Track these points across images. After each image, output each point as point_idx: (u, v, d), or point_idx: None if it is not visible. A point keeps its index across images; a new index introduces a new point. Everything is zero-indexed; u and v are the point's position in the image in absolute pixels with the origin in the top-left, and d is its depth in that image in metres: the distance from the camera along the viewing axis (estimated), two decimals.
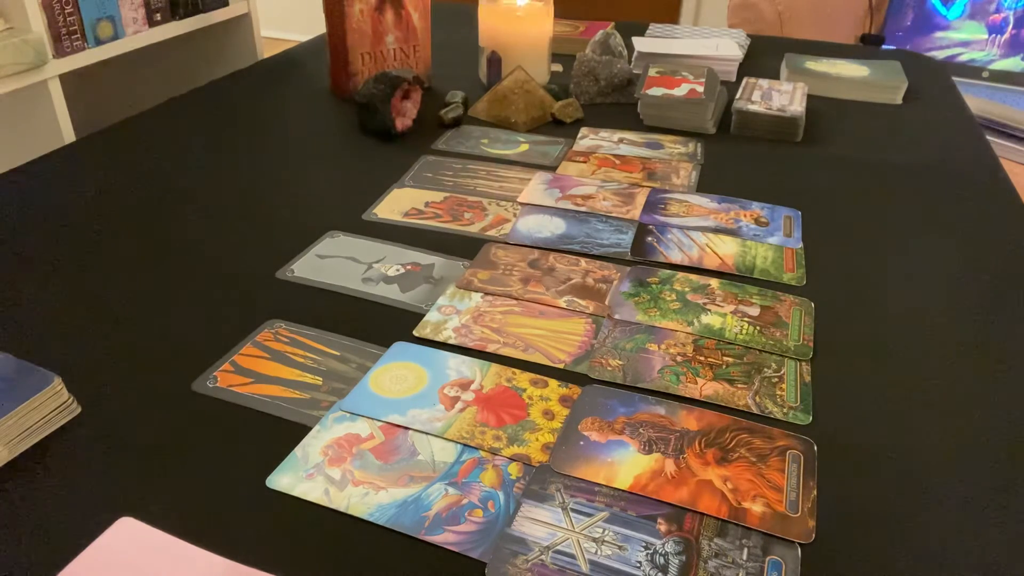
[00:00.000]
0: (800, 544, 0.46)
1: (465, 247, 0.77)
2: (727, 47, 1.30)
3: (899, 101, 1.19)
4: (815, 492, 0.50)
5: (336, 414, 0.55)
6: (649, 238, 0.79)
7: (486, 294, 0.69)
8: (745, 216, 0.84)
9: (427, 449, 0.52)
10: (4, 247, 0.75)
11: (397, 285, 0.71)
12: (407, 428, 0.54)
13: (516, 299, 0.69)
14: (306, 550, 0.45)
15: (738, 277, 0.73)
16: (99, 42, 1.37)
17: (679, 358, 0.62)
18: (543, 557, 0.45)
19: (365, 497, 0.49)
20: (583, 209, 0.84)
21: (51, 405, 0.53)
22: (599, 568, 0.44)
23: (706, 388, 0.59)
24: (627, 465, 0.51)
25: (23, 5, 1.22)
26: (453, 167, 0.94)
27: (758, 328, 0.65)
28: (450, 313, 0.67)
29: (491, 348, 0.62)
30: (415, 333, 0.64)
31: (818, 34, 2.13)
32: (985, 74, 2.32)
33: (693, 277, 0.72)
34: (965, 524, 0.48)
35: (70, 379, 0.56)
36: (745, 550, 0.46)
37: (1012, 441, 0.55)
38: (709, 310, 0.68)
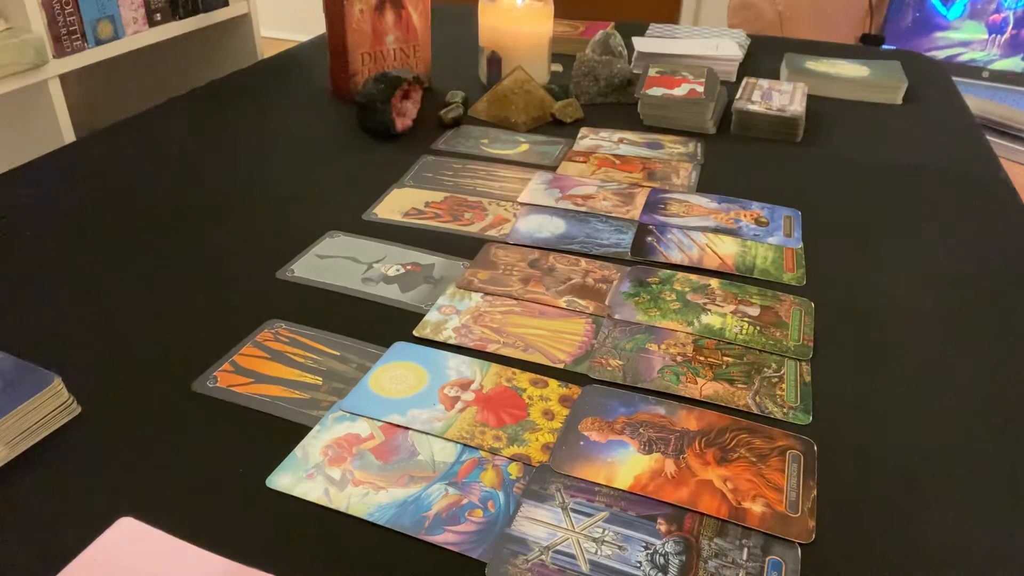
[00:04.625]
0: (800, 544, 0.46)
1: (465, 247, 0.77)
2: (727, 47, 1.30)
3: (899, 101, 1.19)
4: (815, 492, 0.50)
5: (336, 414, 0.55)
6: (649, 238, 0.79)
7: (486, 294, 0.69)
8: (745, 216, 0.84)
9: (427, 449, 0.52)
10: (4, 247, 0.75)
11: (397, 285, 0.71)
12: (407, 428, 0.54)
13: (516, 299, 0.69)
14: (306, 550, 0.45)
15: (738, 277, 0.73)
16: (99, 42, 1.37)
17: (679, 358, 0.62)
18: (543, 557, 0.45)
19: (365, 497, 0.49)
20: (583, 209, 0.84)
21: (51, 405, 0.53)
22: (599, 568, 0.44)
23: (706, 388, 0.59)
24: (627, 465, 0.51)
25: (23, 5, 1.22)
26: (453, 167, 0.94)
27: (758, 328, 0.65)
28: (450, 313, 0.67)
29: (491, 348, 0.62)
30: (415, 333, 0.64)
31: (818, 34, 2.13)
32: (985, 74, 2.32)
33: (693, 277, 0.72)
34: (966, 524, 0.48)
35: (70, 379, 0.56)
36: (745, 550, 0.46)
37: (1013, 441, 0.55)
38: (709, 310, 0.68)
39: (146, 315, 0.66)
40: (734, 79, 1.26)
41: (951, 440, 0.55)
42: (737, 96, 1.09)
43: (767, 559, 0.45)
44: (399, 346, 0.62)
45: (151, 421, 0.55)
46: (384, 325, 0.65)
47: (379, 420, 0.55)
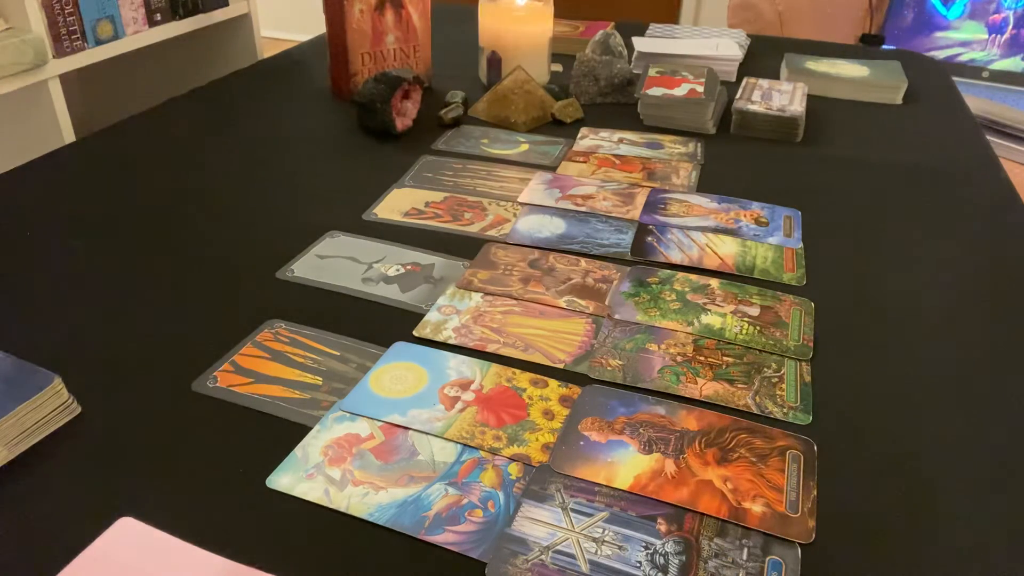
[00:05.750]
0: (800, 544, 0.46)
1: (465, 247, 0.77)
2: (727, 47, 1.30)
3: (899, 101, 1.19)
4: (815, 492, 0.50)
5: (336, 414, 0.55)
6: (649, 238, 0.79)
7: (486, 294, 0.69)
8: (745, 216, 0.84)
9: (427, 449, 0.52)
10: (4, 247, 0.75)
11: (397, 285, 0.71)
12: (407, 428, 0.54)
13: (516, 299, 0.69)
14: (306, 550, 0.45)
15: (738, 277, 0.73)
16: (99, 42, 1.37)
17: (679, 358, 0.62)
18: (543, 557, 0.45)
19: (365, 497, 0.49)
20: (583, 209, 0.84)
21: (51, 405, 0.53)
22: (599, 568, 0.44)
23: (706, 388, 0.59)
24: (627, 465, 0.51)
25: (23, 5, 1.22)
26: (453, 167, 0.94)
27: (758, 328, 0.65)
28: (450, 313, 0.67)
29: (491, 348, 0.62)
30: (415, 333, 0.64)
31: (818, 34, 2.13)
32: (985, 74, 2.32)
33: (693, 277, 0.72)
34: (966, 524, 0.48)
35: (70, 379, 0.56)
36: (745, 550, 0.46)
37: (1013, 441, 0.55)
38: (709, 310, 0.68)
39: (146, 315, 0.66)
40: (734, 79, 1.26)
41: (952, 440, 0.55)
42: (737, 96, 1.10)
43: (767, 559, 0.45)
44: (399, 346, 0.62)
45: (151, 421, 0.55)
46: (384, 325, 0.65)
47: (379, 420, 0.55)
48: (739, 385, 0.59)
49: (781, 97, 1.09)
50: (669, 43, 1.32)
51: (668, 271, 0.73)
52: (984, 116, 2.15)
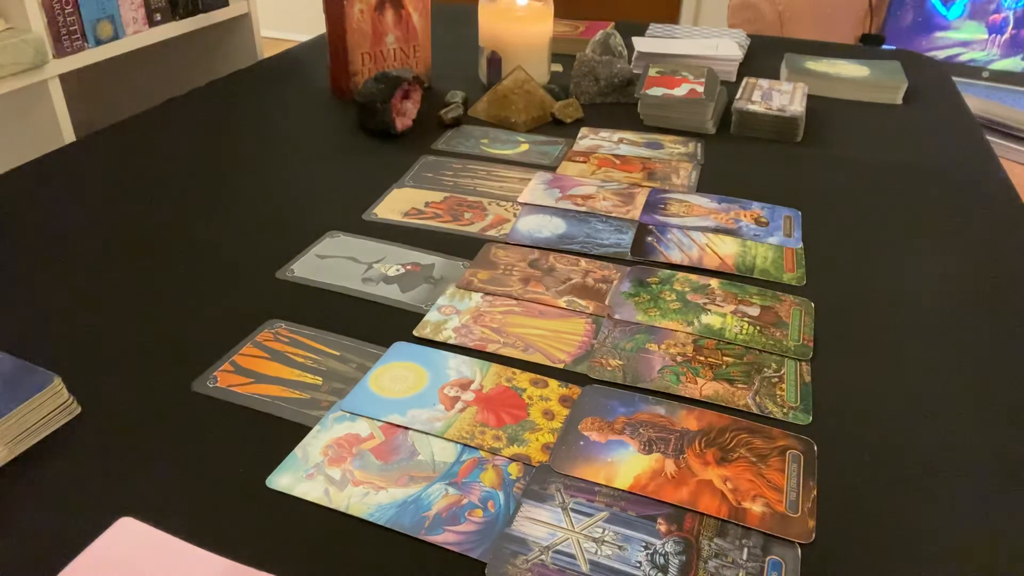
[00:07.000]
0: (800, 544, 0.46)
1: (465, 247, 0.77)
2: (727, 47, 1.30)
3: (899, 101, 1.19)
4: (815, 492, 0.50)
5: (336, 414, 0.55)
6: (649, 238, 0.79)
7: (486, 294, 0.69)
8: (745, 216, 0.84)
9: (427, 449, 0.52)
10: (4, 247, 0.75)
11: (397, 285, 0.71)
12: (407, 428, 0.54)
13: (516, 299, 0.69)
14: (306, 550, 0.45)
15: (738, 277, 0.73)
16: (99, 42, 1.37)
17: (679, 358, 0.62)
18: (543, 557, 0.45)
19: (365, 497, 0.49)
20: (583, 209, 0.84)
21: (51, 405, 0.53)
22: (599, 568, 0.44)
23: (706, 388, 0.59)
24: (627, 465, 0.51)
25: (23, 5, 1.22)
26: (453, 167, 0.94)
27: (758, 328, 0.65)
28: (450, 313, 0.67)
29: (491, 348, 0.62)
30: (415, 333, 0.64)
31: (818, 34, 2.13)
32: (985, 74, 2.32)
33: (693, 277, 0.72)
34: (966, 525, 0.48)
35: (70, 379, 0.56)
36: (745, 550, 0.46)
37: (1012, 442, 0.55)
38: (709, 310, 0.68)
39: (146, 315, 0.66)
40: (734, 79, 1.26)
41: (951, 439, 0.55)
42: (737, 96, 1.09)
43: (767, 559, 0.45)
44: (399, 346, 0.62)
45: (151, 421, 0.55)
46: (384, 325, 0.65)
47: (379, 420, 0.55)
48: (739, 385, 0.59)
49: (781, 97, 1.09)
50: (669, 43, 1.32)
51: (668, 271, 0.73)
52: (984, 116, 2.15)
